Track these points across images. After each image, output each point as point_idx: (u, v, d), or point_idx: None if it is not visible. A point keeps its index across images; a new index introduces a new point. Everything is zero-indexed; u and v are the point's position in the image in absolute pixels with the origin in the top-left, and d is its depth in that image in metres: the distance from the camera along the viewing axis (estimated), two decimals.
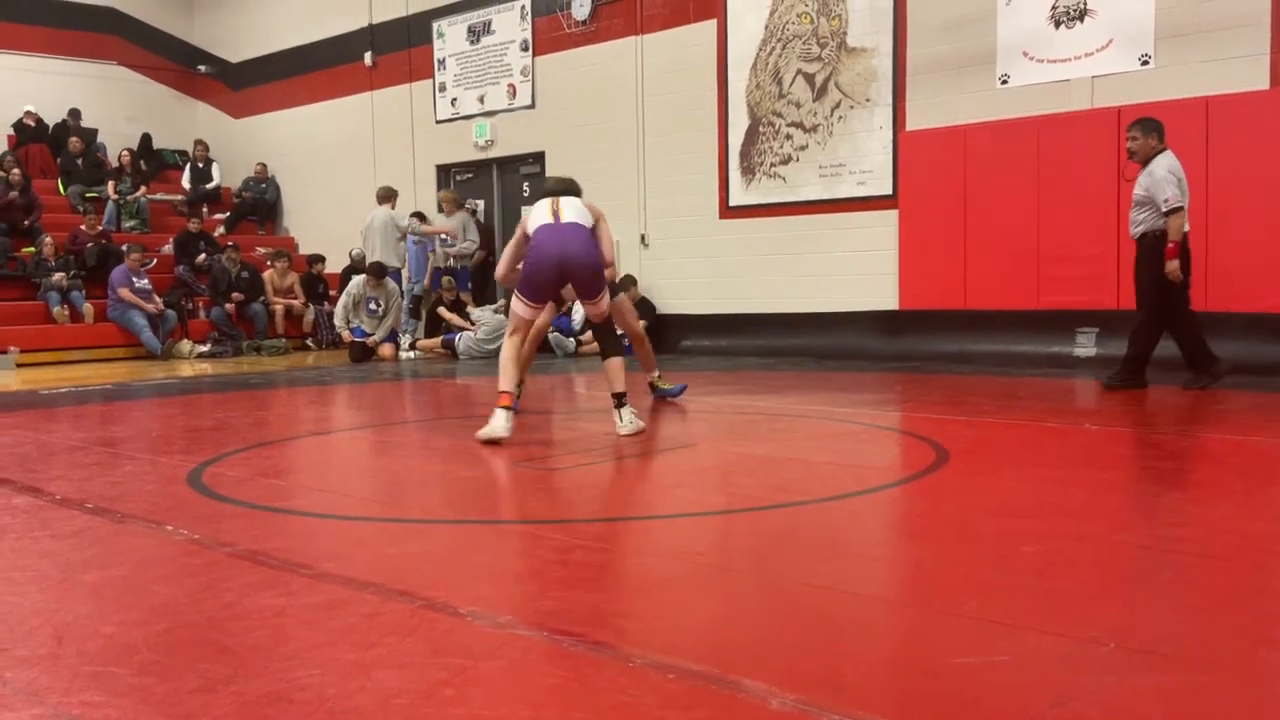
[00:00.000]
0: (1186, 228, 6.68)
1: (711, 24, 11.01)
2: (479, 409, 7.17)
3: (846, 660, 2.17)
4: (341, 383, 8.99)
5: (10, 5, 15.51)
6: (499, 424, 5.05)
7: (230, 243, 13.60)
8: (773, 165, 10.65)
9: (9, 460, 4.91)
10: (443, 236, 12.03)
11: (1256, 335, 7.87)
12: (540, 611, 2.44)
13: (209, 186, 15.78)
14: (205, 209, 15.36)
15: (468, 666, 2.10)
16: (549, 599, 2.57)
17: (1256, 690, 1.97)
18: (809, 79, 10.35)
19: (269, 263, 13.57)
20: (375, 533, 3.40)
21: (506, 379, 5.27)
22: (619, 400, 5.28)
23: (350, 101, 14.77)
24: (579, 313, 11.60)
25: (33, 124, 15.24)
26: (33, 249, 12.69)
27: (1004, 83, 9.15)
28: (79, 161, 14.97)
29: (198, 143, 16.04)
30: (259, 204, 15.86)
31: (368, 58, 14.40)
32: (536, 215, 5.46)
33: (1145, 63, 8.42)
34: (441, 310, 11.79)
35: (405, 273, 12.42)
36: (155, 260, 13.20)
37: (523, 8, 12.64)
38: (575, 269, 5.28)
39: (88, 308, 12.25)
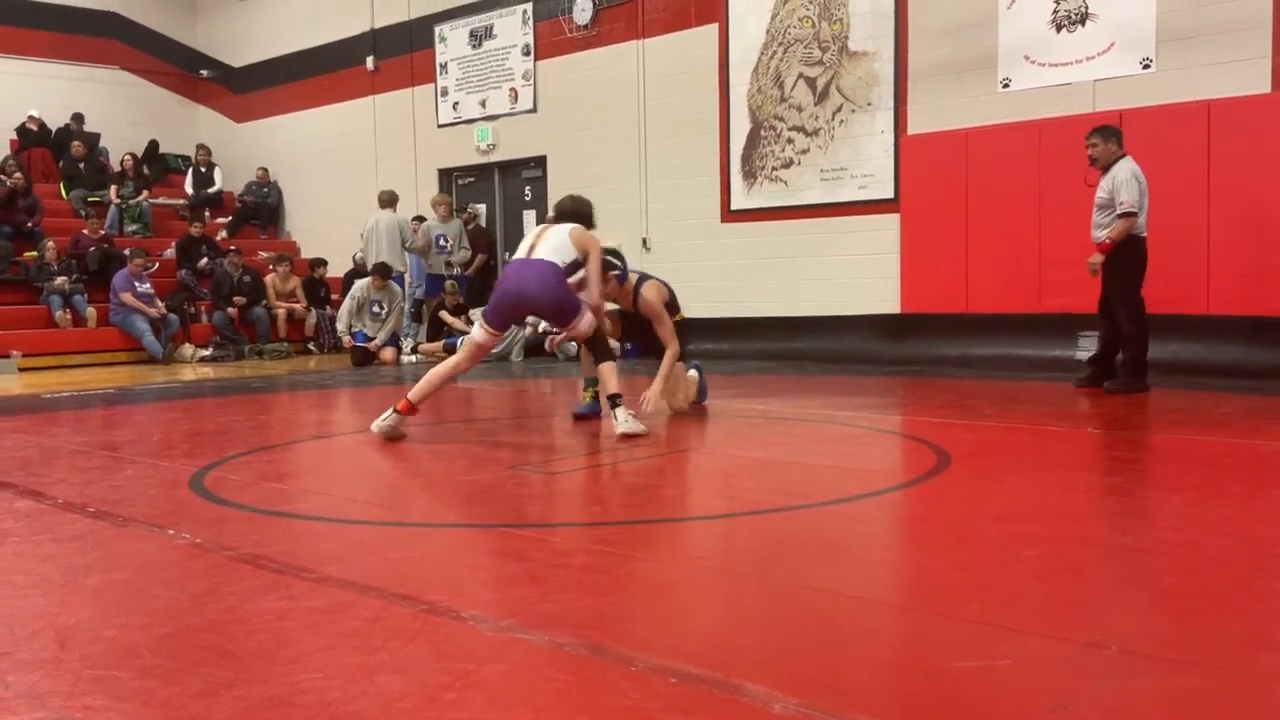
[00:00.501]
0: (1144, 234, 6.79)
1: (713, 28, 11.02)
2: (481, 412, 7.18)
3: (848, 664, 2.17)
4: (343, 387, 8.99)
5: (13, 10, 15.55)
6: (386, 422, 5.35)
7: (233, 247, 13.62)
8: (774, 169, 10.66)
9: (11, 464, 4.91)
10: (440, 243, 12.03)
11: (1259, 339, 7.87)
12: (542, 615, 2.44)
13: (211, 191, 15.81)
14: (207, 213, 15.38)
15: (470, 670, 2.10)
16: (551, 602, 2.57)
17: (1259, 694, 1.96)
18: (810, 83, 10.36)
19: (271, 267, 13.59)
20: (377, 537, 3.40)
21: (418, 392, 5.45)
22: (613, 401, 5.32)
23: (352, 106, 14.78)
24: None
25: (35, 128, 15.26)
26: (35, 253, 12.71)
27: (1005, 86, 9.15)
28: (81, 166, 14.99)
29: (200, 147, 16.06)
30: (261, 208, 15.87)
31: (370, 62, 14.42)
32: (522, 243, 5.69)
33: (1147, 66, 8.43)
34: (443, 314, 11.80)
35: (408, 276, 12.43)
36: (157, 265, 13.21)
37: (524, 12, 12.66)
38: (533, 306, 5.53)
39: (90, 312, 12.26)
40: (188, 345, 12.43)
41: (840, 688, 2.00)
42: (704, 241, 11.16)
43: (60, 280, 12.27)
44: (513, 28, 12.82)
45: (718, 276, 10.98)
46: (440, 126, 13.75)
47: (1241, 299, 7.95)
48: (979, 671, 2.06)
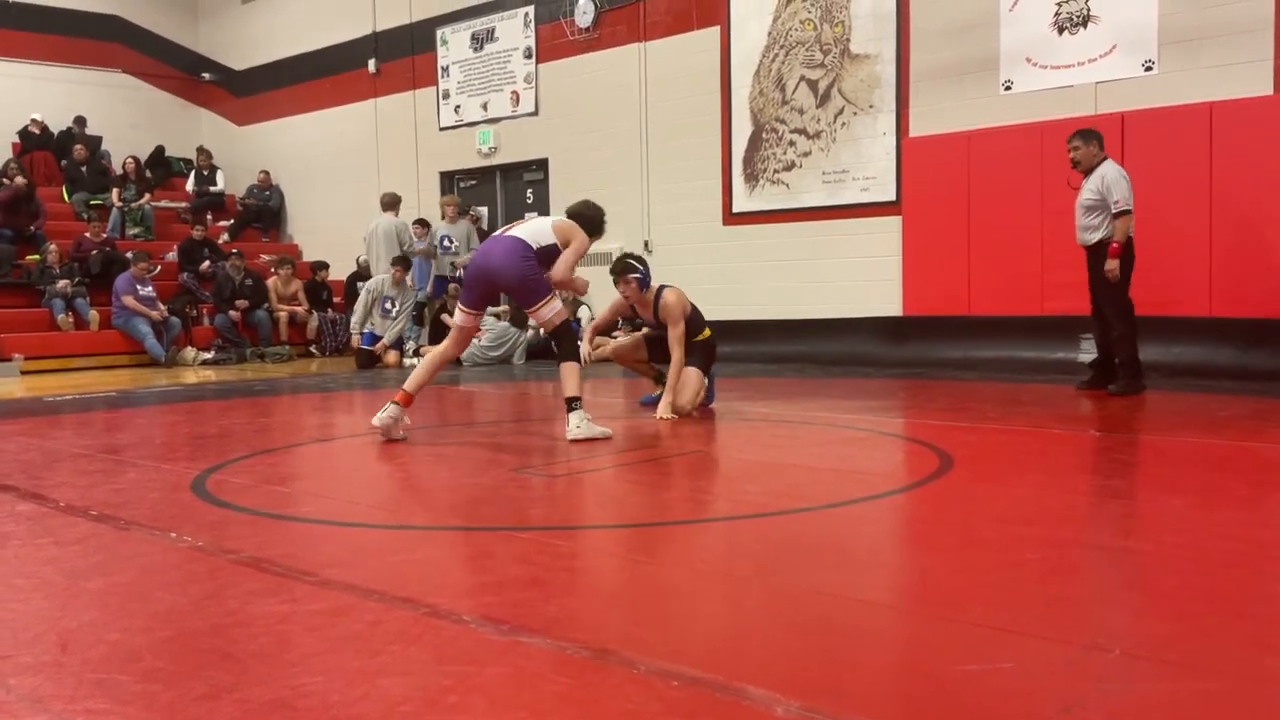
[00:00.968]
0: (1131, 232, 6.80)
1: (715, 30, 11.03)
2: (483, 415, 7.17)
3: (851, 667, 2.17)
4: (345, 389, 8.99)
5: (16, 14, 15.57)
6: (386, 414, 5.40)
7: (235, 250, 13.63)
8: (776, 172, 10.66)
9: (13, 467, 4.91)
10: (445, 244, 12.05)
11: (1261, 341, 7.86)
12: (544, 618, 2.44)
13: (214, 190, 15.83)
14: (209, 216, 15.41)
15: (472, 674, 2.10)
16: (552, 605, 2.56)
17: (1262, 698, 1.96)
18: (812, 85, 10.36)
19: (273, 270, 13.60)
20: (379, 540, 3.40)
21: (413, 382, 5.54)
22: (569, 405, 5.29)
23: (354, 109, 14.80)
24: (584, 318, 11.62)
25: (38, 131, 15.28)
26: (37, 256, 12.73)
27: (1007, 89, 9.15)
28: (83, 169, 15.02)
29: (201, 150, 16.09)
30: (263, 211, 15.89)
31: (371, 65, 14.44)
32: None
33: (1149, 68, 8.43)
34: (445, 317, 11.79)
35: (409, 279, 12.42)
36: (159, 268, 13.22)
37: (526, 15, 12.67)
38: (495, 277, 5.50)
39: (93, 315, 12.27)
40: (189, 348, 12.44)
41: (843, 691, 2.00)
42: (706, 244, 11.16)
43: (62, 283, 12.28)
44: (514, 30, 12.84)
45: (719, 279, 10.98)
46: (442, 129, 13.76)
47: (1243, 301, 7.94)
48: (981, 674, 2.05)
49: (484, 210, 13.34)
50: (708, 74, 11.09)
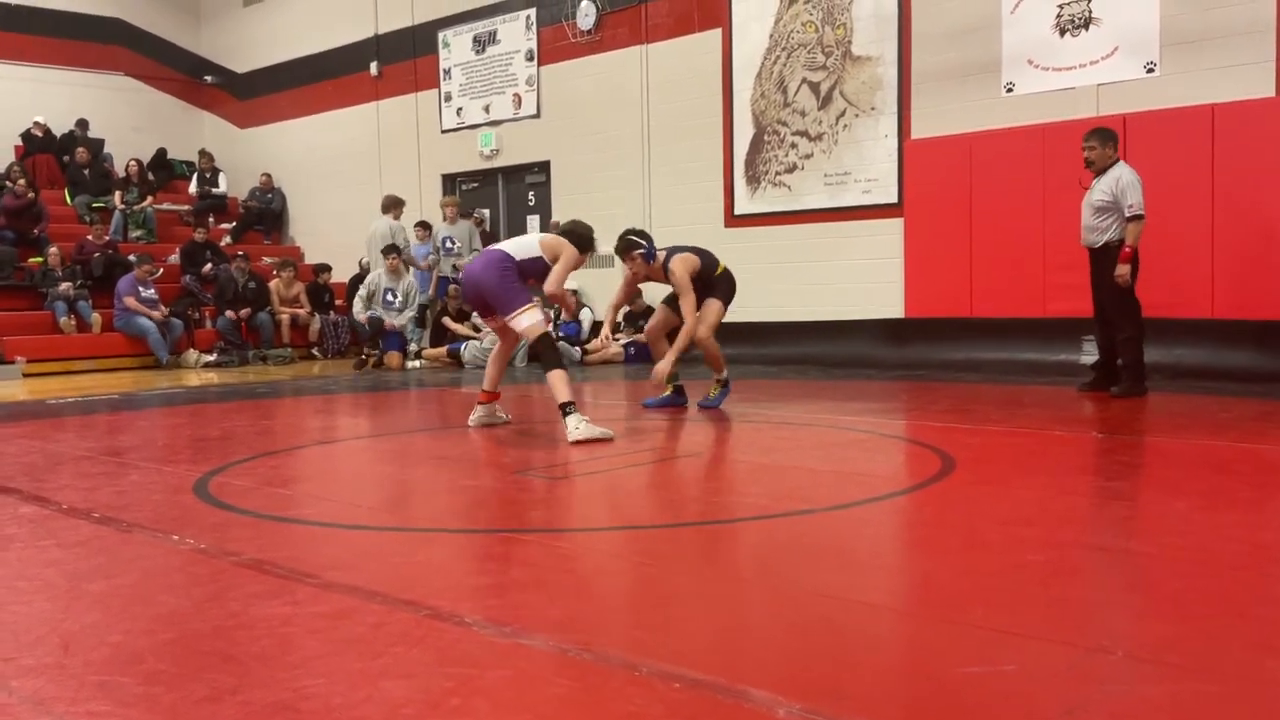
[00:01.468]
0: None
1: (716, 33, 11.03)
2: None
3: (853, 669, 2.17)
4: (347, 392, 8.99)
5: (18, 17, 15.59)
6: (478, 416, 5.95)
7: (241, 252, 13.64)
8: (778, 174, 10.66)
9: (15, 470, 4.92)
10: (447, 246, 12.05)
11: (1266, 343, 7.85)
12: (546, 620, 2.44)
13: (216, 192, 15.85)
14: (211, 219, 15.41)
15: (474, 676, 2.10)
16: (555, 608, 2.56)
17: (1265, 701, 1.96)
18: (814, 88, 10.37)
19: (275, 272, 13.61)
20: (381, 542, 3.40)
21: (489, 380, 6.02)
22: (564, 410, 5.32)
23: (356, 111, 14.81)
24: (585, 320, 11.63)
25: (40, 134, 15.30)
26: (40, 259, 12.74)
27: (1009, 91, 9.15)
28: (86, 172, 15.02)
29: (203, 153, 16.11)
30: (265, 214, 15.90)
31: (373, 68, 14.45)
32: None
33: (1151, 70, 8.42)
34: (447, 320, 11.81)
35: (410, 278, 12.43)
36: (161, 271, 13.23)
37: (528, 18, 12.68)
38: (477, 286, 5.66)
39: (95, 317, 12.28)
40: (192, 351, 12.44)
41: (844, 693, 2.00)
42: (708, 246, 11.09)
43: (65, 286, 12.29)
44: (516, 33, 12.85)
45: None
46: (444, 132, 13.77)
47: (1245, 303, 7.94)
48: (984, 676, 2.05)
49: (486, 212, 13.35)
50: (709, 76, 11.09)
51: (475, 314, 5.97)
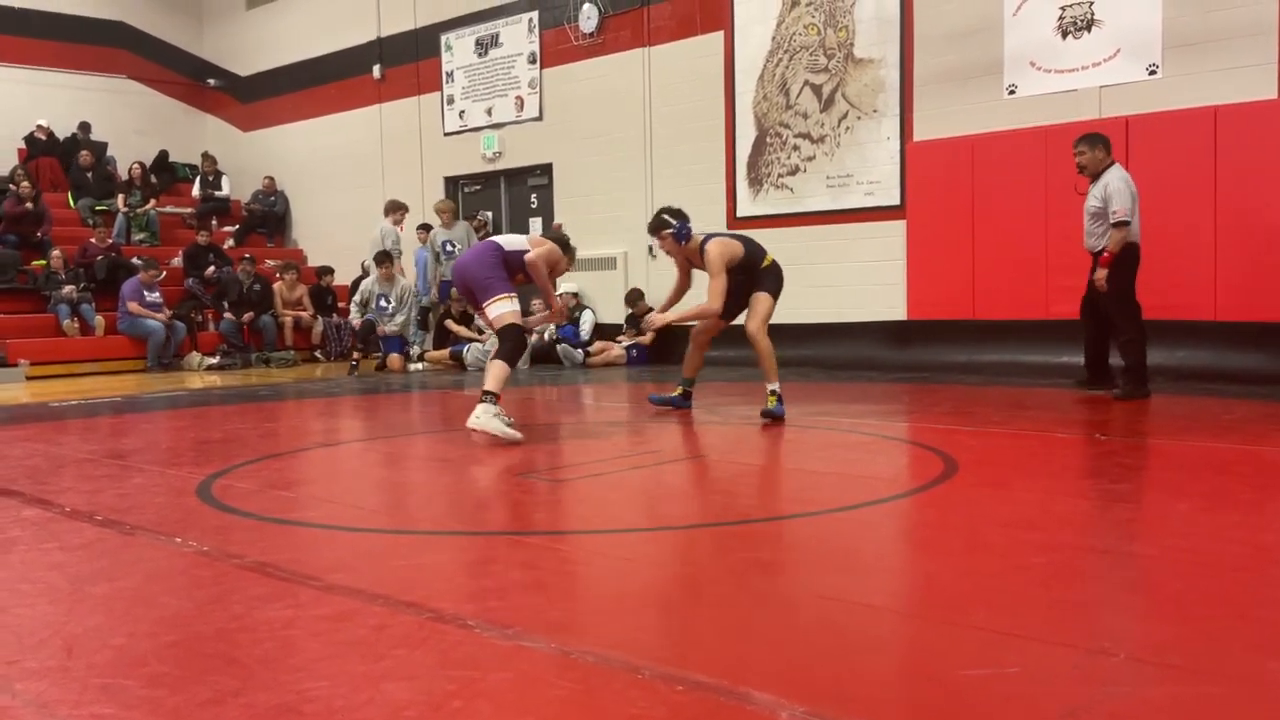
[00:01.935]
0: (1136, 239, 6.79)
1: (719, 35, 11.04)
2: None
3: (855, 671, 2.17)
4: (349, 395, 9.00)
5: (21, 20, 15.62)
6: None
7: (247, 255, 13.65)
8: (780, 176, 10.67)
9: (18, 472, 4.92)
10: (448, 249, 12.06)
11: (1268, 345, 7.85)
12: (548, 623, 2.44)
13: (219, 195, 15.86)
14: (214, 222, 15.43)
15: (476, 678, 2.10)
16: (557, 610, 2.57)
17: (1267, 703, 1.96)
18: (816, 90, 10.37)
19: (278, 275, 13.63)
20: (383, 544, 3.40)
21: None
22: (484, 397, 5.37)
23: (359, 114, 14.83)
24: (587, 322, 11.63)
25: (44, 137, 15.33)
26: (43, 262, 12.76)
27: (1011, 93, 9.15)
28: (89, 175, 15.05)
29: (206, 156, 16.13)
30: (268, 217, 15.92)
31: (376, 70, 14.47)
32: None
33: (1153, 72, 8.42)
34: (449, 323, 11.82)
35: (413, 284, 12.45)
36: (165, 274, 13.25)
37: (530, 20, 12.69)
38: (464, 275, 5.75)
39: (98, 320, 12.30)
40: (194, 353, 12.46)
41: (847, 695, 2.00)
42: None
43: (68, 289, 12.31)
44: (519, 36, 12.86)
45: None
46: (446, 135, 13.78)
47: (1248, 305, 7.93)
48: (986, 679, 2.05)
49: (488, 215, 13.36)
50: (712, 79, 11.10)
51: (476, 316, 5.91)
